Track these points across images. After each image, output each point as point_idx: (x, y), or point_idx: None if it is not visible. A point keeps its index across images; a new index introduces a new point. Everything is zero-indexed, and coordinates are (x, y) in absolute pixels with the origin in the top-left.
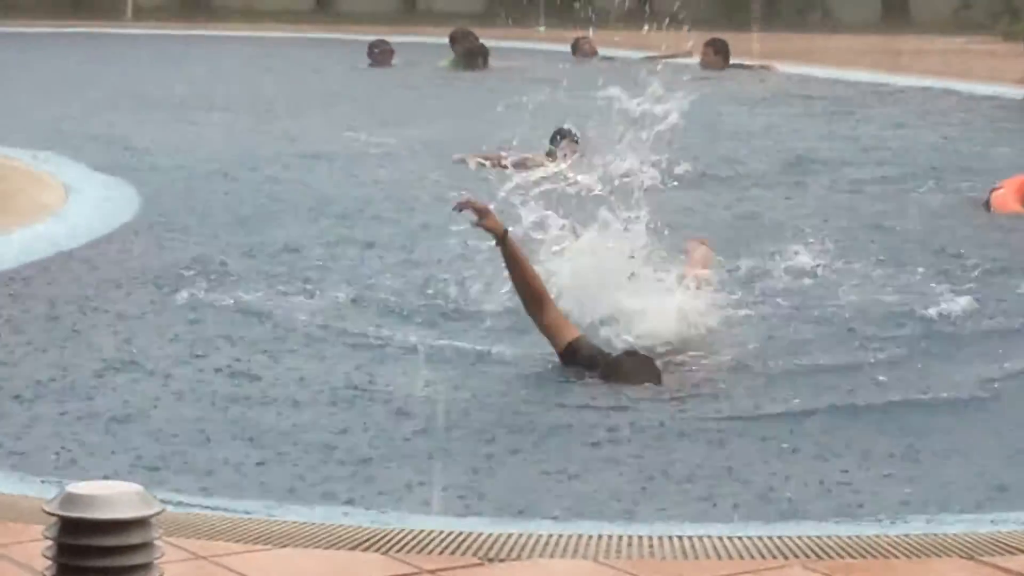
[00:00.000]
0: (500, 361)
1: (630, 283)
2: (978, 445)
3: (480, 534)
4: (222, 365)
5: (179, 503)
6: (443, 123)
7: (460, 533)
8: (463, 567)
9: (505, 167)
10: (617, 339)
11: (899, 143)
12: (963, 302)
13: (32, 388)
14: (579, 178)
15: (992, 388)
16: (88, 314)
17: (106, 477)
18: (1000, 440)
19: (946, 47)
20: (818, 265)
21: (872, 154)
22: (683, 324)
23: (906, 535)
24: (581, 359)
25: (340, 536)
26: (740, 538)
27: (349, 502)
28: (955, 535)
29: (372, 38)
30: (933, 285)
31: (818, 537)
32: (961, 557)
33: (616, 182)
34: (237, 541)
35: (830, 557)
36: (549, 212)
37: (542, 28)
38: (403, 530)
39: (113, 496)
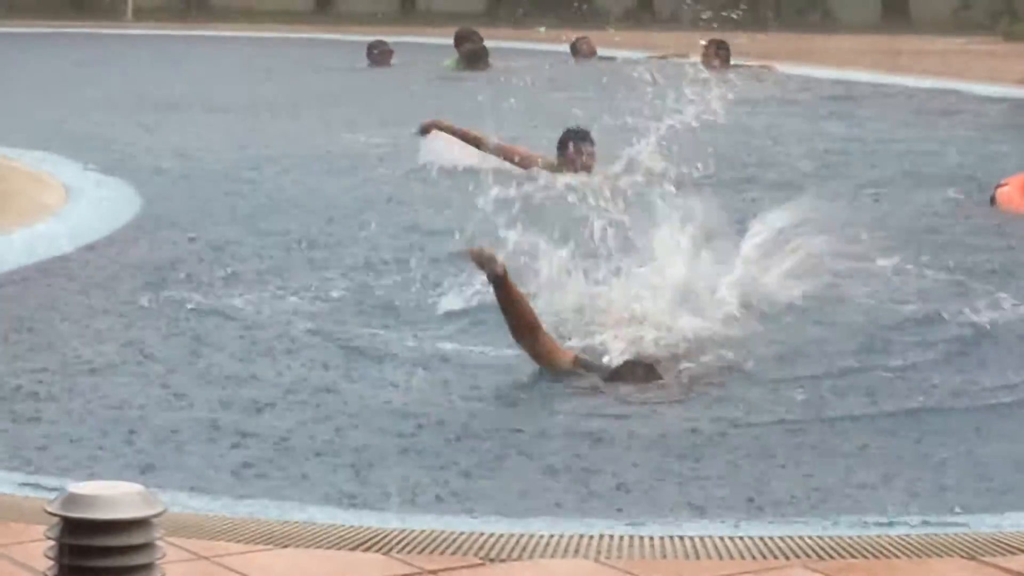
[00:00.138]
0: (501, 362)
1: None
2: (983, 446)
3: (481, 534)
4: (223, 365)
5: (181, 503)
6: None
7: (461, 533)
8: (464, 567)
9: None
10: (627, 347)
11: (902, 143)
12: (970, 303)
13: (33, 388)
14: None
15: (1000, 391)
16: (88, 314)
17: (108, 477)
18: (1006, 442)
19: (946, 47)
20: (826, 266)
21: (875, 154)
22: (695, 323)
23: (907, 535)
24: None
25: (341, 536)
26: (742, 538)
27: (350, 502)
28: (957, 535)
29: (372, 38)
30: (940, 286)
31: (819, 537)
32: (963, 557)
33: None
34: (238, 541)
35: (831, 557)
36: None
37: (542, 29)
38: (404, 530)
39: (115, 496)
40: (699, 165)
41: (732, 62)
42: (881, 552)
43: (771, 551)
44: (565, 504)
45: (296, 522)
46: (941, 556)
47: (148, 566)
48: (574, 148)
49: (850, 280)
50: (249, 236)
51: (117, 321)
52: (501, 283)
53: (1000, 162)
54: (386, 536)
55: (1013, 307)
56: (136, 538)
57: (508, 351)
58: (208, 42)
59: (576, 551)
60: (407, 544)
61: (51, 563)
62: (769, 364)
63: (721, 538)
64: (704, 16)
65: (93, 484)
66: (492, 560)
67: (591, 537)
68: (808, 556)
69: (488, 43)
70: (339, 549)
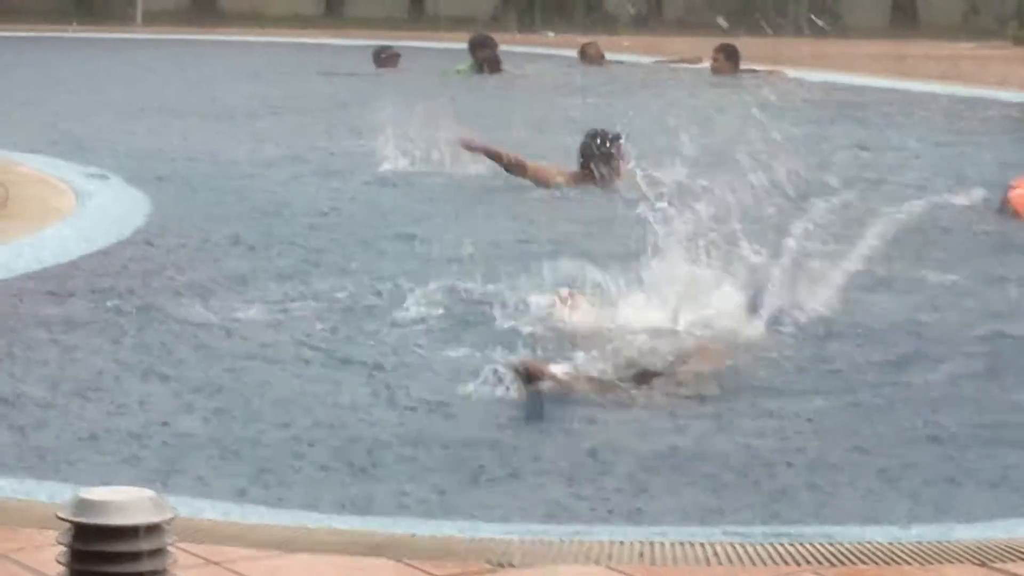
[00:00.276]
0: (509, 367)
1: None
2: (995, 453)
3: (491, 540)
4: (233, 371)
5: (192, 508)
6: (460, 127)
7: (471, 539)
8: (475, 573)
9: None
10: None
11: (913, 148)
12: (983, 313)
13: (44, 392)
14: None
15: (1013, 399)
16: (97, 319)
17: (119, 483)
18: (1019, 449)
19: (956, 52)
20: (840, 275)
21: (886, 160)
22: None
23: (918, 541)
24: None
25: (352, 541)
26: (752, 544)
27: (361, 508)
28: (968, 541)
29: (380, 43)
30: (951, 295)
31: (829, 543)
32: (974, 564)
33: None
34: (249, 546)
35: (841, 563)
36: None
37: (551, 34)
38: (415, 535)
39: (126, 502)
40: (708, 171)
41: (741, 67)
42: (892, 558)
43: (782, 557)
44: (576, 510)
45: (307, 527)
46: (952, 562)
47: (159, 572)
48: (599, 160)
49: (862, 288)
50: (258, 241)
51: (126, 326)
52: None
53: (1015, 168)
54: (396, 541)
55: None
56: (147, 544)
57: (516, 357)
58: (216, 46)
59: (587, 557)
60: (418, 550)
61: (62, 568)
62: (783, 372)
63: (732, 544)
64: (714, 22)
65: (104, 489)
66: (502, 566)
67: (602, 543)
68: (819, 563)
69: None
70: (350, 554)
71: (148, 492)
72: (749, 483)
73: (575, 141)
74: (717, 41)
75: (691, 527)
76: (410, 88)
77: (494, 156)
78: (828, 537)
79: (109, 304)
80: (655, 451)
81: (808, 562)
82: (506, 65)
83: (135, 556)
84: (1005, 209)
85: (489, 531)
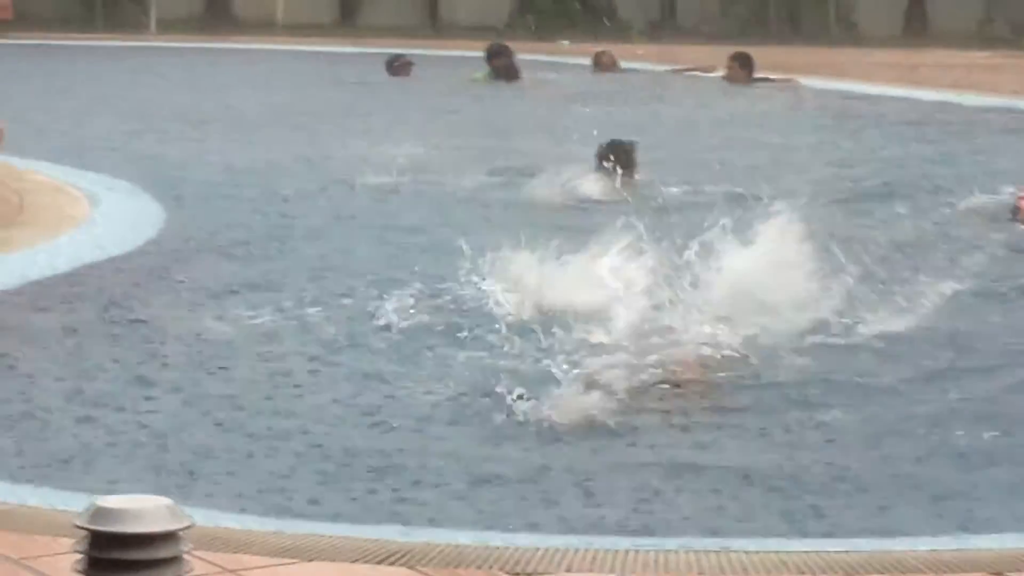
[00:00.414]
0: (523, 375)
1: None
2: (1011, 462)
3: (507, 548)
4: (250, 379)
5: (207, 517)
6: (477, 135)
7: (487, 547)
8: None
9: None
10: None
11: (928, 158)
12: (998, 321)
13: (60, 400)
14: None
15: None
16: (111, 327)
17: (135, 491)
18: None
19: (970, 61)
20: (851, 285)
21: (899, 168)
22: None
23: (935, 550)
24: None
25: (367, 550)
26: (768, 553)
27: (376, 516)
28: (984, 551)
29: (395, 51)
30: (958, 304)
31: (846, 552)
32: (990, 574)
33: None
34: (265, 555)
35: (858, 573)
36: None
37: (566, 42)
38: (429, 544)
39: (143, 510)
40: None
41: (755, 75)
42: (908, 568)
43: (798, 567)
44: (591, 519)
45: (322, 535)
46: (968, 572)
47: None
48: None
49: (875, 298)
50: (274, 250)
51: (141, 334)
52: None
53: None
54: (411, 550)
55: None
56: (163, 551)
57: (529, 366)
58: (230, 55)
59: (602, 566)
60: (433, 558)
61: None
62: (797, 383)
63: (747, 553)
64: (728, 31)
65: (121, 498)
66: (518, 574)
67: (616, 552)
68: (834, 572)
69: None
70: (365, 562)
71: (165, 500)
72: (766, 493)
73: (590, 149)
74: (731, 49)
75: (706, 536)
76: (426, 96)
77: None
78: (844, 546)
79: (121, 312)
80: (671, 460)
81: (824, 572)
82: (522, 73)
83: (151, 564)
84: (1018, 218)
85: (504, 540)
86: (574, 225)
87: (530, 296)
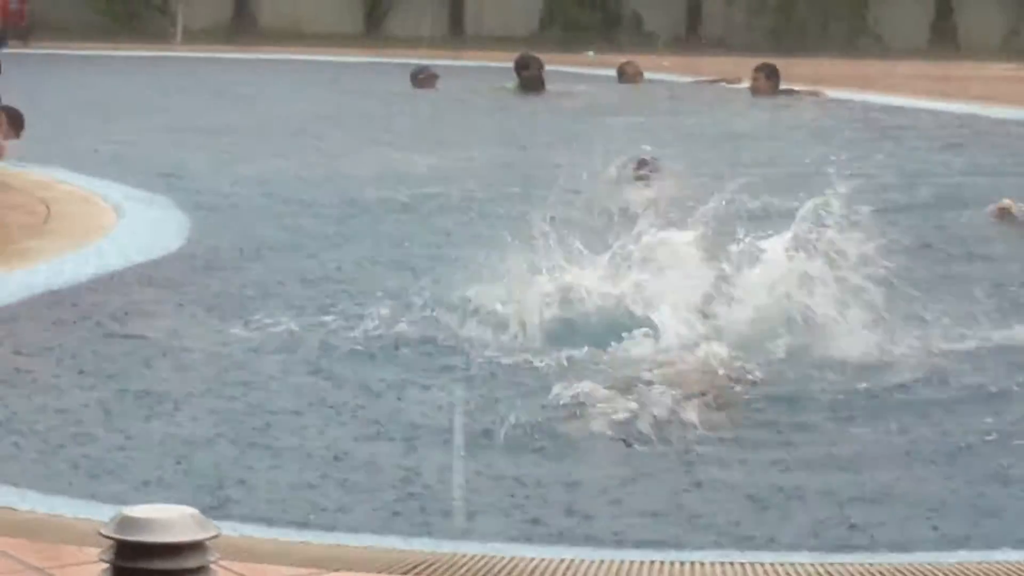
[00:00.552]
0: (550, 389)
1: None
2: None
3: (532, 560)
4: (274, 391)
5: (234, 527)
6: (506, 146)
7: (511, 559)
8: None
9: None
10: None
11: (956, 169)
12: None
13: (85, 410)
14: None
15: None
16: (137, 337)
17: (161, 501)
18: None
19: (997, 73)
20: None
21: (924, 180)
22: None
23: (960, 563)
24: None
25: (393, 561)
26: (791, 565)
27: (402, 527)
28: (1009, 563)
29: (420, 62)
30: (984, 317)
31: (871, 564)
32: None
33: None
34: (291, 565)
35: None
36: None
37: (591, 53)
38: (455, 554)
39: (169, 519)
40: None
41: (781, 87)
42: None
43: None
44: (618, 531)
45: (348, 546)
46: None
47: None
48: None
49: (894, 310)
50: (298, 261)
51: (165, 345)
52: None
53: None
54: (436, 560)
55: None
56: (190, 561)
57: (547, 381)
58: (255, 65)
59: None
60: (458, 569)
61: None
62: (812, 393)
63: (772, 564)
64: (754, 42)
65: (147, 507)
66: None
67: (641, 563)
68: None
69: None
70: (391, 573)
71: (191, 510)
72: (790, 508)
73: (616, 160)
74: (756, 61)
75: (728, 549)
76: (452, 107)
77: None
78: (869, 559)
79: (148, 321)
80: (694, 474)
81: None
82: (549, 84)
83: (177, 574)
84: None
85: (526, 551)
86: (599, 238)
87: (554, 308)
